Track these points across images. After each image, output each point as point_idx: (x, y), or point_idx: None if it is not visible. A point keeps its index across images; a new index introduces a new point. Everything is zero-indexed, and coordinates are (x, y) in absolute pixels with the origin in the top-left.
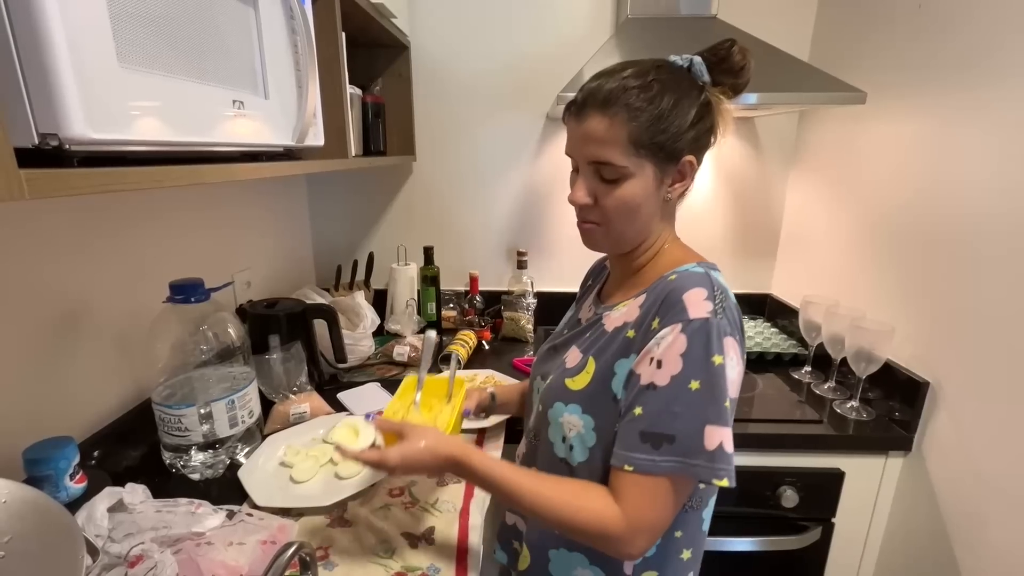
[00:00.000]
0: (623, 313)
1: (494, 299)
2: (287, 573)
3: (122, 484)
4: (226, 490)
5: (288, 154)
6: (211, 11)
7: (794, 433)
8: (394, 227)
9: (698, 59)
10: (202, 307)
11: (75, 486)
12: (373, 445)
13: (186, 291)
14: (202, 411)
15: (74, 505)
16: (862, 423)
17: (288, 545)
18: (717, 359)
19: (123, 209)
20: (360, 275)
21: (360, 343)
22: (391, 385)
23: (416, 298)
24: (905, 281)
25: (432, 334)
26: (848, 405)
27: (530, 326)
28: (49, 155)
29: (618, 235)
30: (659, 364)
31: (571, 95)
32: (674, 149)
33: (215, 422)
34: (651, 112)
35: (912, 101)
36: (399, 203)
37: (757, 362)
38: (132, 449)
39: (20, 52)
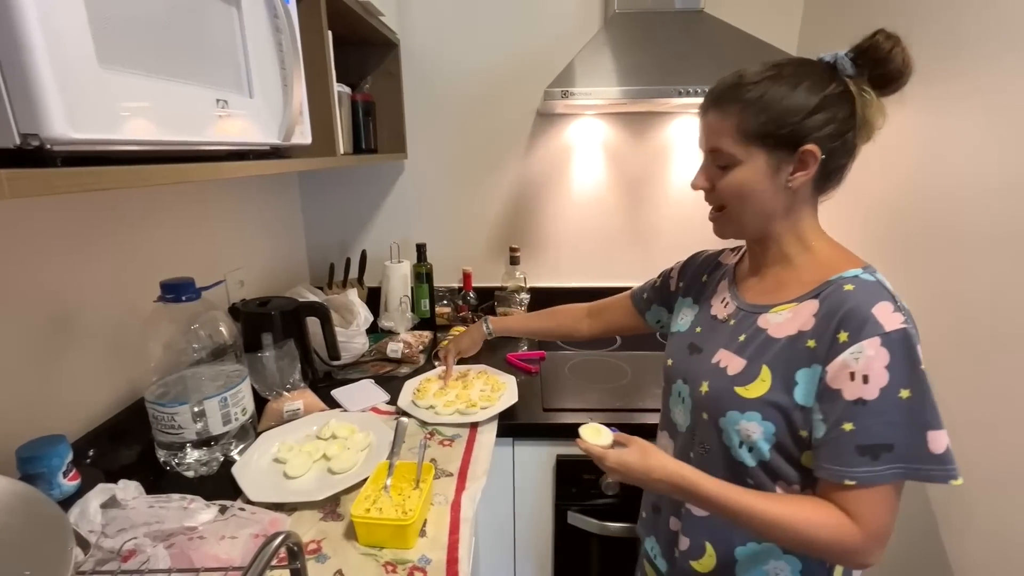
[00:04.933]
0: (790, 319)
1: (487, 295)
2: (275, 564)
3: (116, 482)
4: (220, 487)
5: (276, 152)
6: (192, 11)
7: None
8: (387, 224)
9: (842, 53)
10: (193, 306)
11: (68, 483)
12: (611, 445)
13: (177, 290)
14: (195, 409)
15: (68, 502)
16: None
17: (275, 536)
18: (921, 366)
19: (115, 209)
20: (353, 273)
21: (354, 340)
22: (384, 382)
23: (409, 295)
24: (895, 273)
25: (404, 421)
26: None
27: None
28: (31, 155)
29: (737, 220)
30: (865, 379)
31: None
32: (788, 137)
33: (208, 420)
34: (760, 103)
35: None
36: (391, 200)
37: None
38: (127, 447)
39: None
